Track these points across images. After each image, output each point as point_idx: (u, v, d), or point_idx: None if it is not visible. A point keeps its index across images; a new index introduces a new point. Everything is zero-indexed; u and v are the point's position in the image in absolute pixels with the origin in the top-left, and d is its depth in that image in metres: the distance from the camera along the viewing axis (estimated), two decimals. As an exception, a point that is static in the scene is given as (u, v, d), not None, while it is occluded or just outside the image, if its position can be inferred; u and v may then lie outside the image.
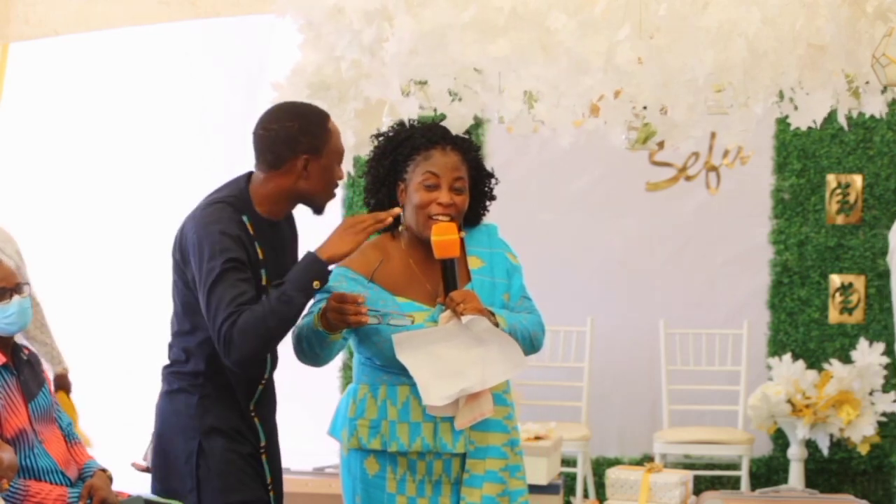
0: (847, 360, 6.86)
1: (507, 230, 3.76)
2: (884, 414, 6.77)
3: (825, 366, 6.84)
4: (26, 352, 4.15)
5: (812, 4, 3.80)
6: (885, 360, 6.75)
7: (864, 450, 6.71)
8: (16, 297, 4.04)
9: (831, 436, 6.78)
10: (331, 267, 3.52)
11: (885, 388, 6.81)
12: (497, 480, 3.54)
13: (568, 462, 6.66)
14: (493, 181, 3.69)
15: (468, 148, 3.63)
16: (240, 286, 3.30)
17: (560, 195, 7.23)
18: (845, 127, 4.17)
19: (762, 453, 7.12)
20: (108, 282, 7.00)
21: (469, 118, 4.00)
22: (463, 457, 3.56)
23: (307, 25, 4.14)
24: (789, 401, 6.66)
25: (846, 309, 7.08)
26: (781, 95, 4.08)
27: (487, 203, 3.70)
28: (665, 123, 4.11)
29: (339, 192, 7.23)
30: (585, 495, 6.74)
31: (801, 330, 7.11)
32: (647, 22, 3.69)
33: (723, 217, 7.16)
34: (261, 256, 3.43)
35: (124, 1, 5.41)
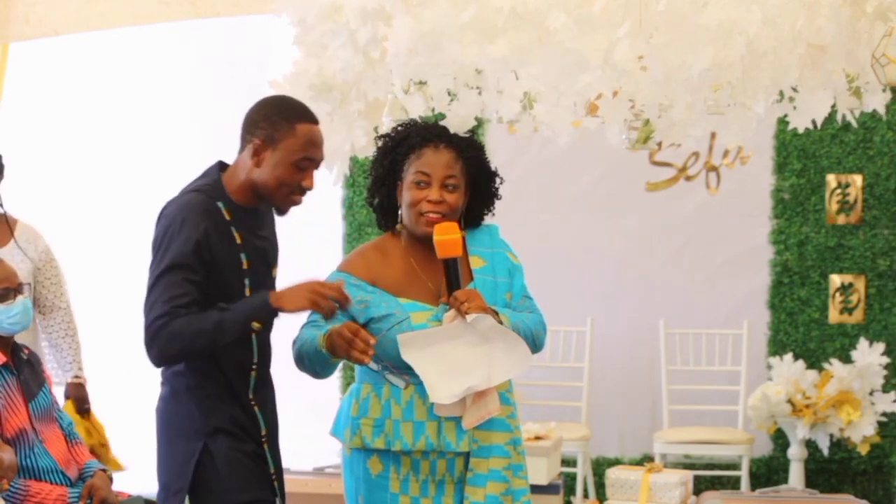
0: (847, 360, 6.87)
1: (507, 230, 3.76)
2: (884, 414, 6.77)
3: (825, 366, 6.84)
4: (26, 351, 4.16)
5: (812, 4, 3.80)
6: (885, 360, 6.75)
7: (864, 450, 6.71)
8: (19, 298, 4.05)
9: (831, 436, 6.78)
10: (333, 272, 3.55)
11: (885, 388, 6.81)
12: (500, 479, 3.54)
13: (568, 462, 6.67)
14: (497, 181, 3.69)
15: (465, 146, 3.62)
16: (183, 286, 3.33)
17: (560, 195, 7.24)
18: (853, 123, 4.17)
19: (762, 453, 7.12)
20: (108, 281, 7.00)
21: (470, 118, 4.00)
22: (466, 456, 3.56)
23: (302, 25, 4.13)
24: (789, 401, 6.66)
25: (846, 309, 7.08)
26: (782, 95, 4.08)
27: (492, 204, 3.71)
28: (664, 122, 4.10)
29: (339, 192, 7.31)
30: (585, 495, 6.75)
31: (801, 330, 7.11)
32: (646, 20, 3.69)
33: (723, 217, 7.16)
34: (238, 241, 3.44)
35: (124, 1, 5.41)
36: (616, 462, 6.83)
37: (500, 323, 3.49)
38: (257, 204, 3.51)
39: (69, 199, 7.23)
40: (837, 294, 7.08)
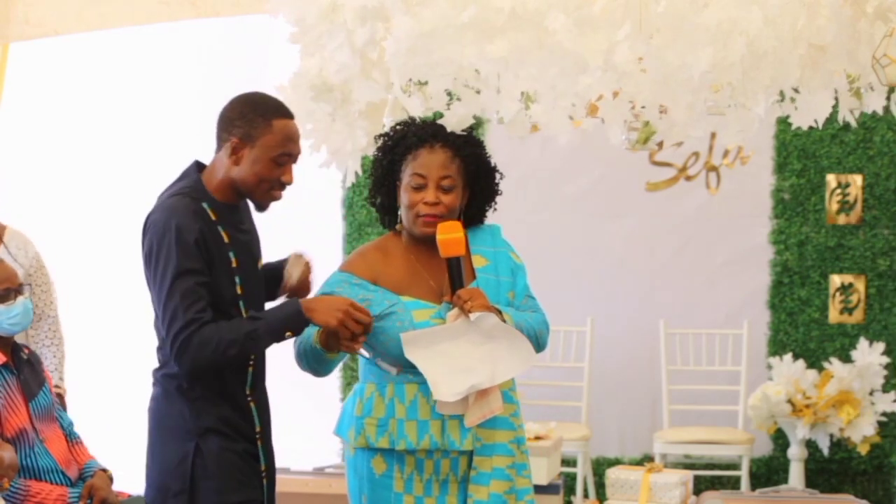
0: (847, 359, 6.87)
1: (508, 230, 3.76)
2: (884, 414, 6.77)
3: (825, 365, 6.84)
4: (26, 351, 4.16)
5: (813, 4, 3.79)
6: (885, 359, 6.75)
7: (864, 450, 6.72)
8: (20, 298, 4.06)
9: (831, 436, 6.78)
10: (334, 272, 3.55)
11: (885, 388, 6.81)
12: (504, 478, 3.55)
13: (568, 462, 6.67)
14: (497, 176, 3.69)
15: (462, 144, 3.62)
16: (197, 292, 3.33)
17: (560, 195, 7.24)
18: (853, 123, 4.17)
19: (762, 453, 7.12)
20: (107, 281, 7.00)
21: (468, 117, 4.00)
22: (470, 455, 3.57)
23: (300, 24, 4.13)
24: (789, 401, 6.66)
25: (846, 309, 7.08)
26: (782, 95, 4.08)
27: (493, 200, 3.71)
28: (664, 123, 4.10)
29: (339, 192, 7.31)
30: (585, 495, 6.75)
31: (801, 330, 7.11)
32: (646, 21, 3.68)
33: (723, 217, 7.16)
34: (226, 240, 3.43)
35: (124, 1, 5.41)
36: (616, 462, 6.83)
37: (504, 321, 3.49)
38: (237, 201, 3.51)
39: (69, 200, 7.22)
40: (837, 294, 7.08)
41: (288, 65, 4.30)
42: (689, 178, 7.02)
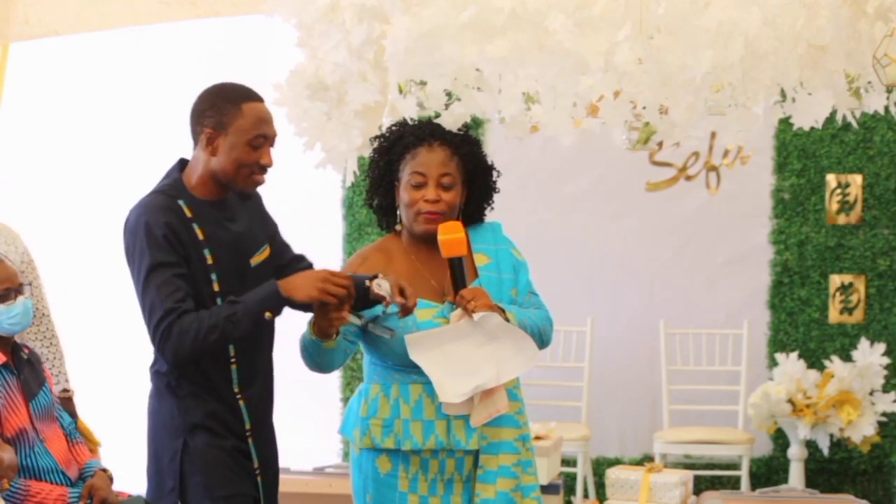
0: (847, 360, 6.87)
1: (507, 230, 3.77)
2: (884, 414, 6.77)
3: (826, 365, 6.84)
4: (26, 351, 4.16)
5: (813, 4, 3.80)
6: (886, 360, 6.75)
7: (864, 450, 6.72)
8: (20, 298, 4.05)
9: (831, 436, 6.78)
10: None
11: (886, 388, 6.81)
12: (510, 476, 3.56)
13: (568, 462, 6.67)
14: (494, 175, 3.69)
15: (460, 143, 3.63)
16: (173, 282, 3.34)
17: (560, 195, 7.24)
18: (853, 123, 4.17)
19: (762, 453, 7.12)
20: (107, 281, 6.99)
21: (464, 116, 4.00)
22: (475, 454, 3.58)
23: (301, 25, 4.13)
24: (790, 400, 6.66)
25: (846, 309, 7.08)
26: (783, 95, 4.08)
27: (490, 198, 3.72)
28: (664, 123, 4.10)
29: (339, 192, 7.32)
30: (585, 495, 6.75)
31: (801, 330, 7.11)
32: (646, 22, 3.69)
33: (723, 217, 7.16)
34: (201, 237, 3.43)
35: (124, 1, 5.41)
36: (616, 462, 6.83)
37: (507, 320, 3.50)
38: (222, 195, 3.50)
39: (69, 199, 7.23)
40: (837, 294, 7.08)
41: (288, 65, 4.30)
42: (689, 178, 7.03)
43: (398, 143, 3.64)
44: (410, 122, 3.75)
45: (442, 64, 3.90)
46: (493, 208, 3.74)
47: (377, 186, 3.68)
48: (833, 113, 4.11)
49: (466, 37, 3.82)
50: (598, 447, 7.12)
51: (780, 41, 3.78)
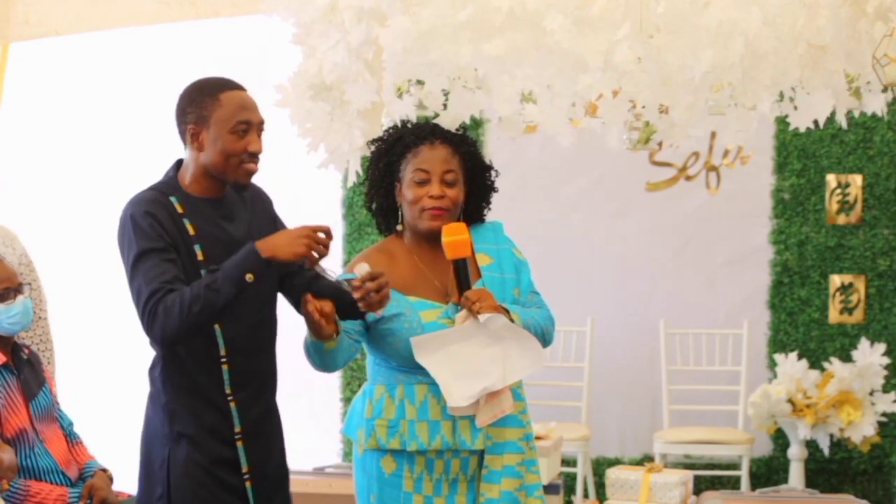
0: (847, 360, 6.87)
1: (507, 230, 3.76)
2: (884, 414, 6.77)
3: (826, 365, 6.84)
4: (26, 351, 4.16)
5: (812, 4, 3.80)
6: (886, 360, 6.75)
7: (864, 450, 6.72)
8: (19, 298, 4.05)
9: (831, 436, 6.78)
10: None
11: (886, 388, 6.82)
12: (514, 475, 3.57)
13: (568, 462, 6.67)
14: (492, 174, 3.69)
15: (459, 141, 3.64)
16: (160, 265, 3.31)
17: (560, 195, 7.24)
18: (844, 125, 4.17)
19: (762, 453, 7.12)
20: (107, 281, 6.99)
21: (462, 116, 4.00)
22: (479, 454, 3.58)
23: (300, 25, 4.14)
24: (790, 400, 6.66)
25: (846, 309, 7.08)
26: (782, 95, 4.09)
27: (489, 197, 3.71)
28: (664, 123, 4.11)
29: (339, 192, 7.32)
30: (585, 495, 6.75)
31: (801, 330, 7.11)
32: (646, 21, 3.69)
33: (723, 217, 7.16)
34: (192, 232, 3.40)
35: (124, 1, 5.41)
36: (616, 462, 6.83)
37: (512, 321, 3.50)
38: (219, 192, 3.47)
39: (69, 200, 7.22)
40: (837, 294, 7.08)
41: (288, 65, 4.30)
42: (689, 178, 7.03)
43: (398, 143, 3.63)
44: (408, 123, 3.75)
45: (440, 64, 3.91)
46: (490, 208, 3.74)
47: (377, 188, 3.67)
48: (833, 113, 4.11)
49: (464, 36, 3.82)
50: (598, 447, 7.12)
51: (780, 41, 3.79)
